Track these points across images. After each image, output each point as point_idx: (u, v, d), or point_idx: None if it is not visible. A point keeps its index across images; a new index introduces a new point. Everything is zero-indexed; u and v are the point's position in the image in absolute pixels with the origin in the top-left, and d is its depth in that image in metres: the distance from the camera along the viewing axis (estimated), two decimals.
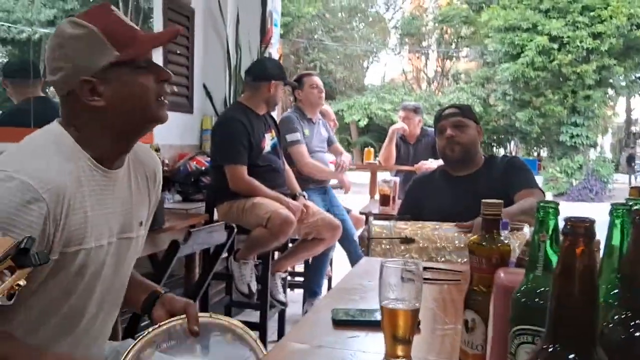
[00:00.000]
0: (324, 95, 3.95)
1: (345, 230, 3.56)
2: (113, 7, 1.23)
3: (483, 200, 0.95)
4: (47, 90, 2.89)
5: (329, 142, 4.10)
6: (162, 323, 1.30)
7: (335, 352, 1.09)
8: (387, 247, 1.99)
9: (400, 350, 0.98)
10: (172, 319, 1.31)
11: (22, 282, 0.78)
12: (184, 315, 1.30)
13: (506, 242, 0.94)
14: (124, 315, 1.98)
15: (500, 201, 0.95)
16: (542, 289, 0.72)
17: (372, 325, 1.15)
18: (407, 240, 1.98)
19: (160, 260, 2.13)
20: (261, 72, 3.20)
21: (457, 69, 25.17)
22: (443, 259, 1.90)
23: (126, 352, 1.22)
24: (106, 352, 1.40)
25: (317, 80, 3.93)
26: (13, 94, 2.91)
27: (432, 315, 1.29)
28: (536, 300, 0.72)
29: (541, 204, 0.75)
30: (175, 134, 3.84)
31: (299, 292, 4.06)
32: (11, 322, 1.12)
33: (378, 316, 1.05)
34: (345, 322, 1.20)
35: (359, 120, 21.53)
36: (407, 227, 2.02)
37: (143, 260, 2.56)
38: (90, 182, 1.18)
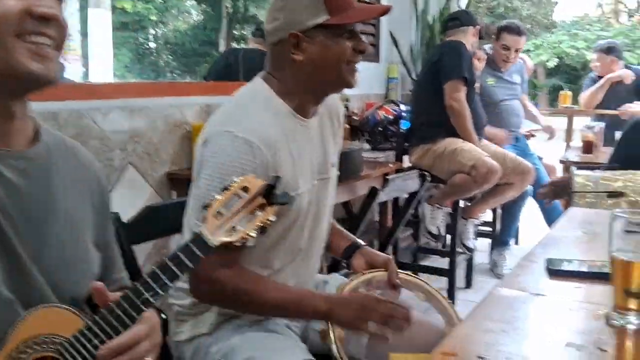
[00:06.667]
0: (515, 58, 3.77)
1: (538, 181, 3.41)
2: None
3: None
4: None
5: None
6: (366, 272, 1.42)
7: (556, 301, 1.08)
8: (592, 200, 1.88)
9: (632, 304, 0.94)
10: (373, 270, 1.43)
11: (272, 218, 0.87)
12: (382, 269, 1.42)
13: None
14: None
15: None
16: None
17: (597, 277, 1.11)
18: (616, 194, 1.84)
19: (361, 205, 2.26)
20: (468, 17, 3.31)
21: None
22: None
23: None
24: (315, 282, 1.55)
25: (516, 43, 3.69)
26: None
27: None
28: None
29: None
30: (362, 84, 3.88)
31: (484, 241, 3.99)
32: (251, 257, 1.29)
33: (605, 268, 1.01)
34: (565, 273, 1.17)
35: (547, 61, 19.89)
36: (617, 179, 1.88)
37: (338, 207, 2.71)
38: (293, 132, 1.32)
